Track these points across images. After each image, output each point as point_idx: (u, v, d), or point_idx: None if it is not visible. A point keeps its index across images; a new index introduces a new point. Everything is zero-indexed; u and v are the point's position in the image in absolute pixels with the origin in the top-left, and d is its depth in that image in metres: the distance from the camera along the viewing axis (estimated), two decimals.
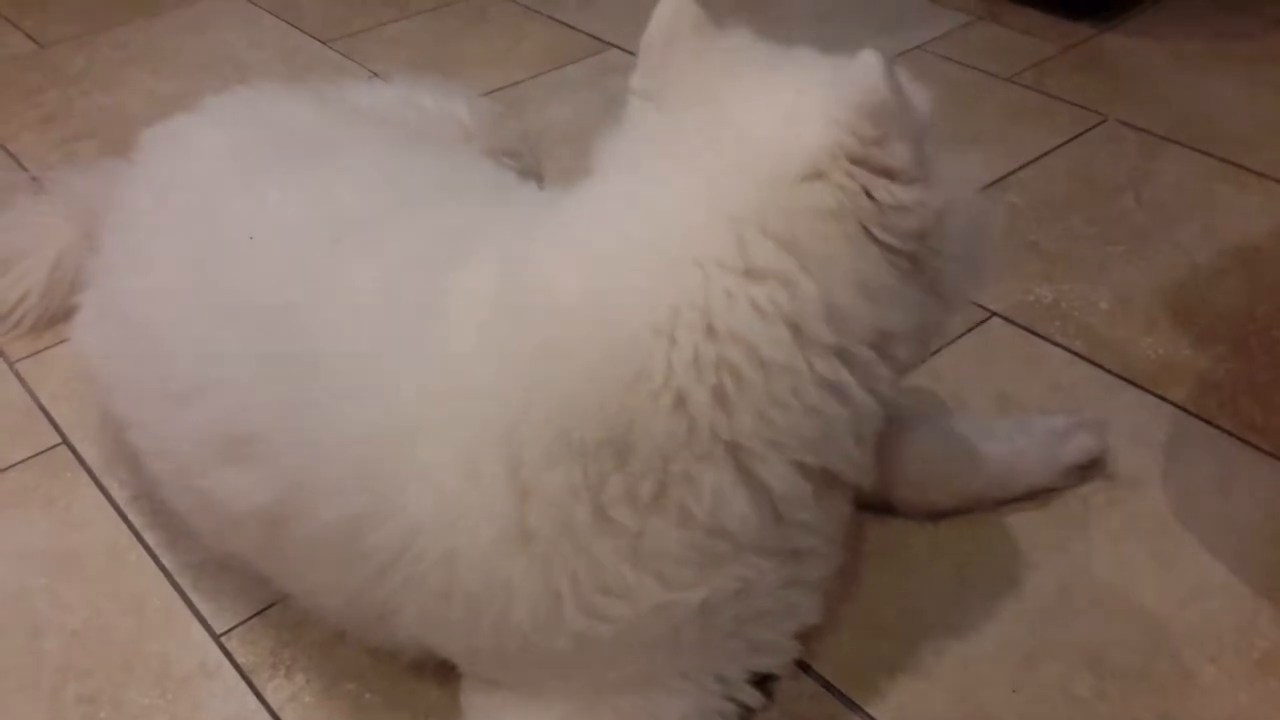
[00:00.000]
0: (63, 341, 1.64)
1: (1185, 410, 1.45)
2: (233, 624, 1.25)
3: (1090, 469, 1.36)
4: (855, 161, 0.86)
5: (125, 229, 1.30)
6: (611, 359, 0.89)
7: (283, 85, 1.54)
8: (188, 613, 1.27)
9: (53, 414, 1.54)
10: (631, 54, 1.00)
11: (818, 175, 0.87)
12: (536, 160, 1.88)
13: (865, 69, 0.84)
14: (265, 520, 1.05)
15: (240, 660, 1.22)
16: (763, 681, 1.12)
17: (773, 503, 0.95)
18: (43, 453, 1.48)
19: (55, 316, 1.64)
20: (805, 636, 1.11)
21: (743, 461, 0.92)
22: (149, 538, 1.35)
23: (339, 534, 0.99)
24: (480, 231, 1.04)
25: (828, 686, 1.16)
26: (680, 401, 0.89)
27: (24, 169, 2.05)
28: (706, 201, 0.89)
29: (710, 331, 0.88)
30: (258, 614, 1.26)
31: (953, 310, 1.01)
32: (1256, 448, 1.39)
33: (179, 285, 1.16)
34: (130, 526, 1.37)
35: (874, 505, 1.32)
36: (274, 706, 1.17)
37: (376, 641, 1.14)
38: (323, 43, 2.47)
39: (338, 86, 1.64)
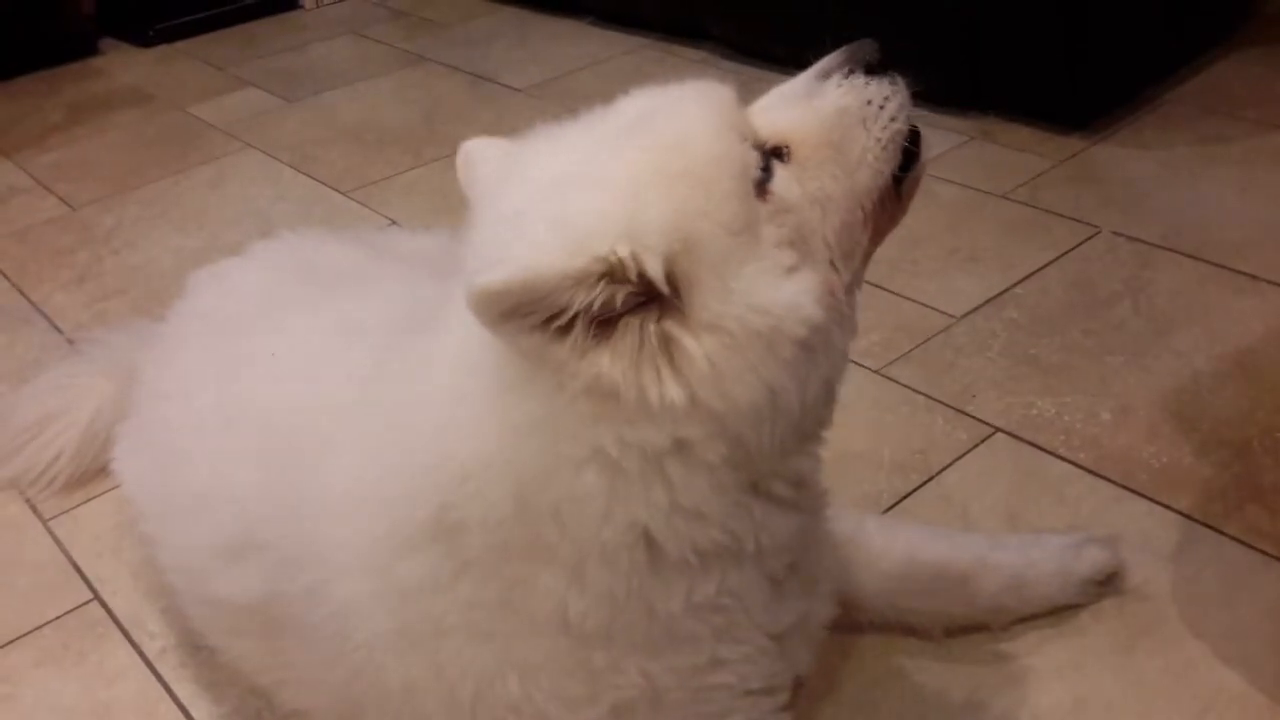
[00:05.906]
0: (94, 498, 1.69)
1: (1191, 518, 1.46)
2: None
3: (1106, 585, 1.36)
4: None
5: (164, 361, 1.38)
6: (422, 446, 0.92)
7: (327, 231, 1.60)
8: None
9: (84, 570, 1.59)
10: None
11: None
12: None
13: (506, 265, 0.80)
14: (261, 615, 1.09)
15: None
16: None
17: (638, 595, 0.90)
18: (74, 609, 1.52)
19: (87, 475, 1.70)
20: None
21: (568, 562, 0.89)
22: (179, 691, 1.38)
23: (299, 608, 1.02)
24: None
25: None
26: (481, 494, 0.88)
27: (58, 330, 2.13)
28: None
29: (478, 438, 0.88)
30: None
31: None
32: (1264, 553, 1.40)
33: (203, 405, 1.23)
34: (160, 680, 1.40)
35: (889, 626, 1.34)
36: None
37: None
38: (342, 193, 2.57)
39: (384, 233, 1.70)
